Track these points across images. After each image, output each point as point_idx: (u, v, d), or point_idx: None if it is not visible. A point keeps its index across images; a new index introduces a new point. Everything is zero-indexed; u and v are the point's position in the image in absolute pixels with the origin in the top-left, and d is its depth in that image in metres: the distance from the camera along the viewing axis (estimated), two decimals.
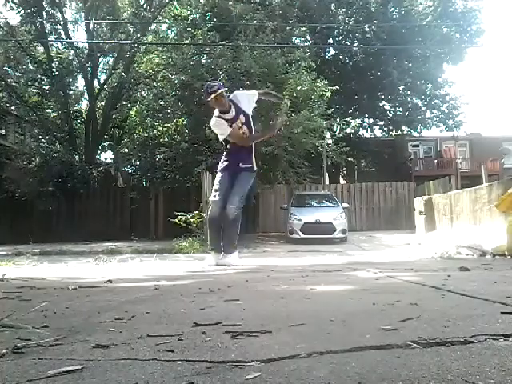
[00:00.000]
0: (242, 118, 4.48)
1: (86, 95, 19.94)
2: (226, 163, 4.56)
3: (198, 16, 16.99)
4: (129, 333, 1.31)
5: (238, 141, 4.50)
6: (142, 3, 18.02)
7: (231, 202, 4.36)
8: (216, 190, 4.50)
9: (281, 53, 13.38)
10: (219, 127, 4.48)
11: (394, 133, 25.12)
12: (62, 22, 17.60)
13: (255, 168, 4.64)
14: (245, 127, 4.49)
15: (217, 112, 4.52)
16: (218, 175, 4.59)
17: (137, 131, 15.34)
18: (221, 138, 4.55)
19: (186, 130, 13.97)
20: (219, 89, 4.38)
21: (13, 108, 18.98)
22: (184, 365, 0.99)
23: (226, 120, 4.42)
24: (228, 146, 4.57)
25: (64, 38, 17.75)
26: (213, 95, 4.34)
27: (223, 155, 4.67)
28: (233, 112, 4.46)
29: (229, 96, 4.57)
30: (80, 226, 13.58)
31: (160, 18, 18.37)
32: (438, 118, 23.72)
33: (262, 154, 11.81)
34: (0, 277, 3.01)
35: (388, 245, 9.87)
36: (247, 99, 4.58)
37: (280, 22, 16.57)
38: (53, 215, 14.28)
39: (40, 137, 18.37)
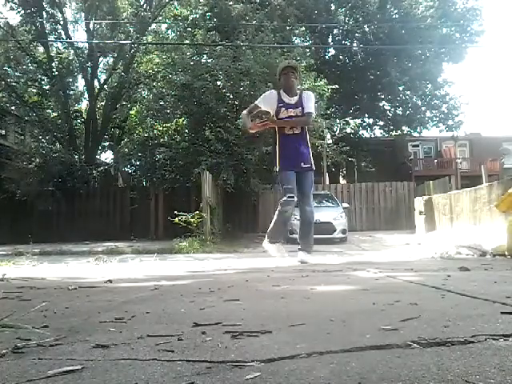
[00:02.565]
0: (300, 111, 4.40)
1: (86, 95, 19.98)
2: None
3: (197, 16, 17.01)
4: (129, 333, 1.31)
5: (248, 109, 4.56)
6: (141, 3, 18.04)
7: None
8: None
9: (280, 52, 13.40)
10: (266, 100, 4.48)
11: (393, 133, 25.15)
12: (61, 22, 17.63)
13: (277, 168, 4.52)
14: None
15: (281, 90, 4.52)
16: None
17: (137, 131, 15.36)
18: (257, 103, 4.56)
19: (186, 130, 13.98)
20: (291, 63, 4.51)
21: (13, 108, 18.99)
22: (184, 365, 0.99)
23: (285, 103, 4.41)
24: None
25: (64, 37, 17.77)
26: (284, 65, 4.44)
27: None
28: (296, 99, 4.43)
29: (301, 87, 4.58)
30: (80, 226, 13.59)
31: (160, 18, 18.38)
32: (437, 118, 23.74)
33: (262, 153, 11.83)
34: (0, 277, 3.01)
35: (388, 245, 9.87)
36: (309, 102, 4.50)
37: (280, 22, 16.58)
38: (53, 215, 14.29)
39: (40, 137, 18.38)
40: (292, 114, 4.39)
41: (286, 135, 4.43)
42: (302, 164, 4.44)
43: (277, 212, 4.49)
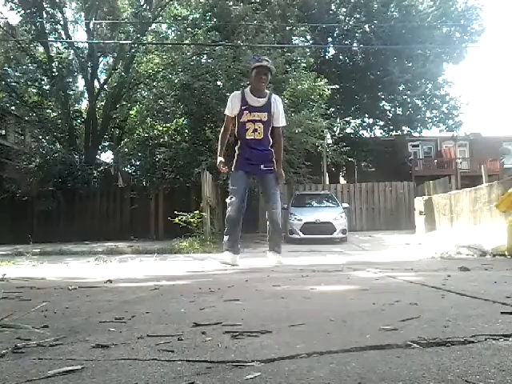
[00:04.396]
0: (265, 116, 4.22)
1: (86, 95, 19.99)
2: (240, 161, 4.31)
3: (198, 16, 17.01)
4: (129, 333, 1.31)
5: (224, 127, 4.37)
6: (141, 3, 18.04)
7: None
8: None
9: (281, 52, 13.40)
10: (232, 105, 4.26)
11: (393, 133, 25.15)
12: (62, 22, 17.63)
13: (232, 168, 4.33)
14: (261, 126, 4.22)
15: (248, 89, 4.32)
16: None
17: (137, 131, 15.37)
18: (225, 111, 4.37)
19: (186, 130, 13.98)
20: (268, 64, 4.22)
21: (13, 108, 19.00)
22: (184, 365, 0.99)
23: (249, 105, 4.21)
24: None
25: (64, 37, 17.78)
26: (259, 63, 4.17)
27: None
28: (263, 102, 4.24)
29: (271, 93, 4.40)
30: (80, 225, 13.59)
31: (160, 18, 18.38)
32: (437, 118, 23.72)
33: None
34: (0, 277, 3.01)
35: (388, 245, 9.86)
36: (280, 113, 4.34)
37: (280, 21, 16.58)
38: (53, 215, 14.28)
39: (40, 137, 18.39)
40: (256, 118, 4.20)
41: (245, 139, 4.25)
42: (262, 166, 4.28)
43: (226, 217, 4.32)
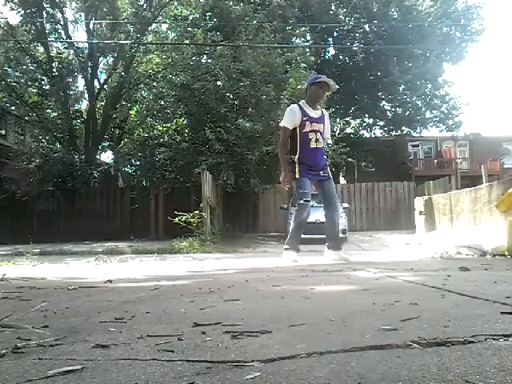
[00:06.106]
0: (321, 127, 4.57)
1: (86, 95, 19.98)
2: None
3: (198, 16, 17.00)
4: (129, 333, 1.31)
5: (281, 138, 4.62)
6: (141, 3, 18.03)
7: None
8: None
9: (281, 52, 13.40)
10: (291, 118, 4.49)
11: (393, 133, 25.12)
12: (62, 22, 17.62)
13: (296, 175, 4.58)
14: (320, 136, 4.55)
15: (303, 102, 4.59)
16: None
17: (137, 131, 15.36)
18: (282, 123, 4.58)
19: (186, 130, 13.98)
20: (327, 80, 4.59)
21: (13, 108, 18.99)
22: (184, 365, 0.99)
23: (310, 116, 4.49)
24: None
25: (64, 37, 17.77)
26: (321, 79, 4.54)
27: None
28: (319, 114, 4.60)
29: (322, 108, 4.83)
30: (80, 225, 13.59)
31: (160, 18, 18.38)
32: (437, 118, 23.70)
33: (262, 153, 11.83)
34: (0, 277, 3.01)
35: (388, 245, 9.87)
36: (329, 127, 4.77)
37: (280, 21, 16.57)
38: (53, 215, 14.27)
39: (40, 137, 18.37)
40: (316, 129, 4.53)
41: (309, 148, 4.53)
42: (321, 173, 4.62)
43: (293, 217, 4.60)
